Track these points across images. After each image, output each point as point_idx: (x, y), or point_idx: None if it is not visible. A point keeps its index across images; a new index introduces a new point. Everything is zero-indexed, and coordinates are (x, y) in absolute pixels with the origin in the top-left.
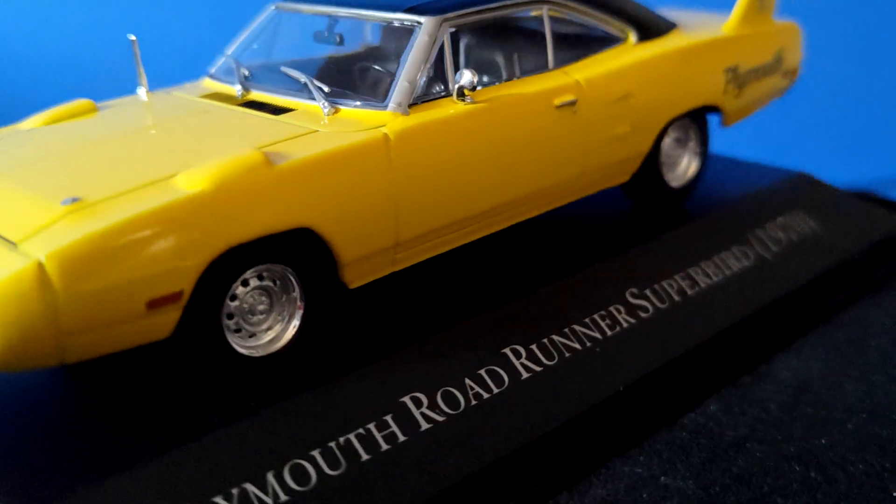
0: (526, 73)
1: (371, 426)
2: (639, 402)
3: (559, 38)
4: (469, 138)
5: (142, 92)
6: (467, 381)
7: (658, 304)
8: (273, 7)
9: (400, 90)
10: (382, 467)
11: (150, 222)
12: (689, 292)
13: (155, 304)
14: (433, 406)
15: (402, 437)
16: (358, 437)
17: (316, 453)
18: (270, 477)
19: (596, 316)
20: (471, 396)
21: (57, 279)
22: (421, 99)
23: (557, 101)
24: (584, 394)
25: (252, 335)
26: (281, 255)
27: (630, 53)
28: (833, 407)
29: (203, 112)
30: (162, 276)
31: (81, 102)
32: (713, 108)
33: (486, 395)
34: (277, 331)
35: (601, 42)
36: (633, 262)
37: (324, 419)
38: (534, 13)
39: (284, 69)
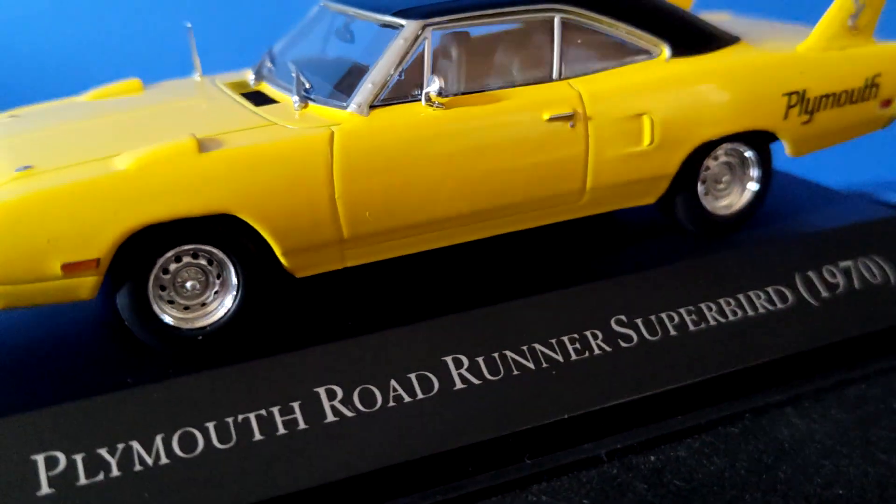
0: (522, 82)
1: (275, 409)
2: (582, 433)
3: (573, 49)
4: (432, 144)
5: (196, 76)
6: (393, 381)
7: (647, 336)
8: (319, 4)
9: (363, 91)
10: (269, 450)
11: (67, 194)
12: (692, 328)
13: (70, 269)
14: (346, 401)
15: (301, 425)
16: (258, 417)
17: (210, 425)
18: (158, 439)
19: (565, 338)
20: (390, 398)
21: None
22: (388, 101)
23: (548, 114)
24: (510, 416)
25: (186, 308)
26: (212, 237)
27: (655, 69)
28: (805, 483)
29: (205, 99)
30: (76, 244)
31: (131, 82)
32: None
33: (406, 399)
34: (212, 308)
35: (626, 55)
36: (634, 287)
37: (231, 395)
38: (543, 20)
39: (289, 63)
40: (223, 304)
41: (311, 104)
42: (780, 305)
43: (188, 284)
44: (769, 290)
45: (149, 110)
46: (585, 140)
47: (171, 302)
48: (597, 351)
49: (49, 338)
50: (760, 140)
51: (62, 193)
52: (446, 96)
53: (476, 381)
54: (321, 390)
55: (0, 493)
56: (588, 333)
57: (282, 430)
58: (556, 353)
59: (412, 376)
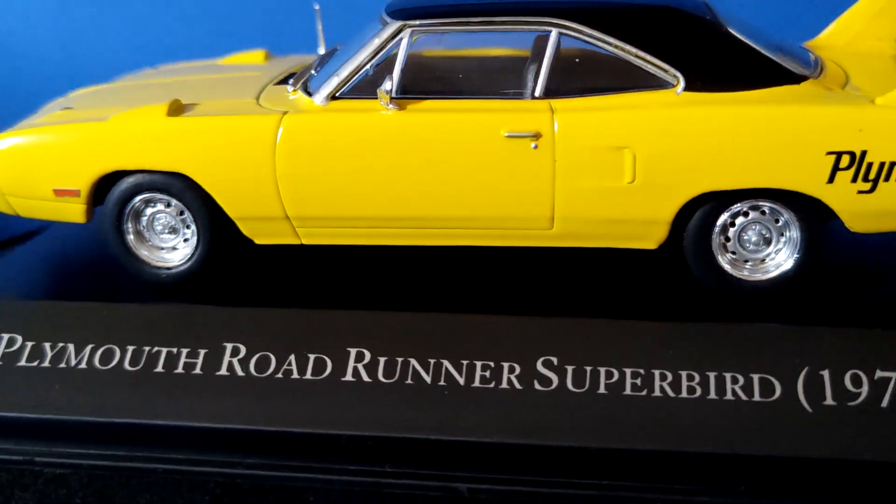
0: (496, 94)
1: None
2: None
3: (567, 67)
4: (376, 142)
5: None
6: (292, 356)
7: (569, 385)
8: None
9: (328, 83)
10: None
11: (63, 132)
12: (626, 392)
13: (60, 193)
14: (244, 361)
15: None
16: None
17: None
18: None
19: (479, 363)
20: (282, 371)
21: None
22: (356, 96)
23: (507, 131)
24: (366, 419)
25: (160, 248)
26: (174, 191)
27: (656, 100)
28: None
29: (258, 74)
30: (62, 175)
31: (256, 53)
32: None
33: (293, 376)
34: (179, 253)
35: (633, 82)
36: (590, 332)
37: None
38: (538, 34)
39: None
40: (183, 251)
41: (298, 91)
42: (756, 397)
43: (157, 227)
44: (754, 376)
45: (213, 78)
46: (552, 164)
47: (148, 241)
48: (503, 384)
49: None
50: (804, 203)
51: (60, 131)
52: (403, 98)
53: (366, 379)
54: (228, 345)
55: None
56: (506, 365)
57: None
58: (461, 374)
59: (311, 356)
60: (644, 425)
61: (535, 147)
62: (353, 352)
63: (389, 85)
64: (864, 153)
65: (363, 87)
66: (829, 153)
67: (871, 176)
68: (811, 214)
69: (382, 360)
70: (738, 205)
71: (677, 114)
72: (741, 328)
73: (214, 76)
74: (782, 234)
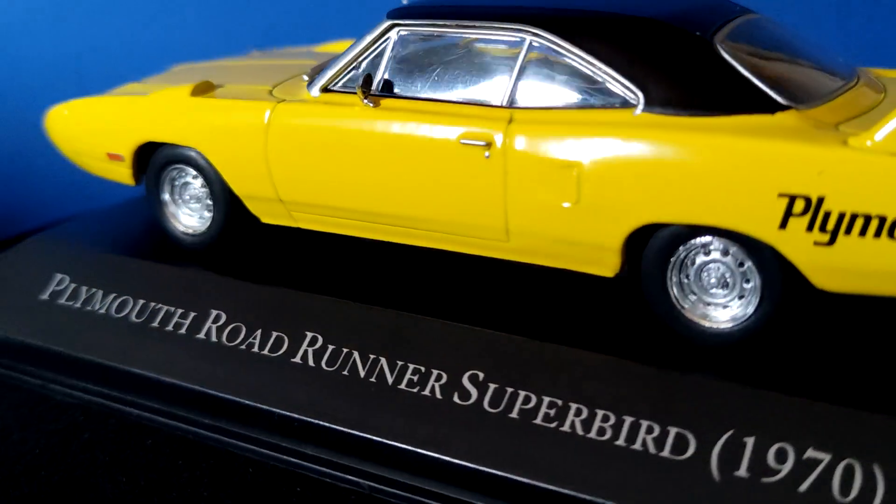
0: (466, 99)
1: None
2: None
3: (536, 78)
4: (347, 136)
5: None
6: (259, 331)
7: (485, 405)
8: None
9: (323, 75)
10: None
11: (116, 104)
12: (536, 420)
13: (111, 157)
14: (221, 329)
15: None
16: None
17: None
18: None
19: (412, 365)
20: (246, 343)
21: (50, 124)
22: (342, 89)
23: (462, 137)
24: (308, 404)
25: (187, 215)
26: (194, 164)
27: (610, 119)
28: None
29: (305, 63)
30: (112, 141)
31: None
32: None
33: (254, 350)
34: (200, 221)
35: (596, 97)
36: (524, 353)
37: None
38: (513, 41)
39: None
40: (208, 217)
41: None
42: (665, 452)
43: (186, 196)
44: (672, 429)
45: (274, 64)
46: (503, 176)
47: (178, 207)
48: (426, 391)
49: None
50: (765, 248)
51: (114, 102)
52: (382, 95)
53: (311, 363)
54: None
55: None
56: (435, 372)
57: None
58: (391, 374)
59: (273, 333)
60: (535, 458)
61: (488, 157)
62: (309, 336)
63: (368, 81)
64: (821, 199)
65: (354, 82)
66: (782, 195)
67: (829, 226)
68: (773, 262)
69: (331, 347)
70: (697, 240)
71: (624, 136)
72: (679, 376)
73: (279, 62)
74: (748, 281)
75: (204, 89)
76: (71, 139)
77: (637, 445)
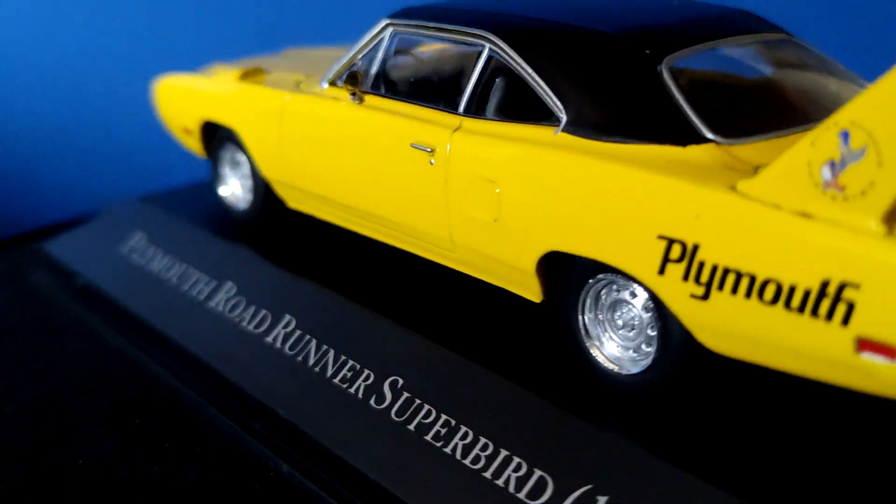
0: (432, 103)
1: None
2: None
3: (491, 88)
4: (329, 129)
5: None
6: (253, 308)
7: (392, 414)
8: None
9: (331, 69)
10: None
11: (187, 83)
12: (426, 436)
13: (185, 131)
14: (228, 301)
15: None
16: None
17: None
18: None
19: (351, 361)
20: (238, 316)
21: (154, 95)
22: (341, 83)
23: (412, 141)
24: (257, 381)
25: (236, 190)
26: (237, 142)
27: (531, 136)
28: None
29: None
30: (185, 116)
31: None
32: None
33: (243, 323)
34: (243, 198)
35: (532, 111)
36: (449, 369)
37: None
38: (476, 48)
39: None
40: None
41: None
42: (522, 493)
43: (238, 174)
44: (536, 471)
45: (331, 54)
46: (445, 183)
47: (228, 182)
48: (352, 389)
49: None
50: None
51: (192, 81)
52: (370, 92)
53: (277, 345)
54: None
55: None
56: (367, 372)
57: None
58: (332, 366)
59: (262, 312)
60: (411, 474)
61: (433, 163)
62: (285, 318)
63: (353, 77)
64: (696, 247)
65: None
66: (661, 237)
67: (704, 278)
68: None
69: (297, 332)
70: (603, 276)
71: (536, 156)
72: (569, 418)
73: (337, 53)
74: (652, 328)
75: (251, 75)
76: (162, 111)
77: (500, 481)
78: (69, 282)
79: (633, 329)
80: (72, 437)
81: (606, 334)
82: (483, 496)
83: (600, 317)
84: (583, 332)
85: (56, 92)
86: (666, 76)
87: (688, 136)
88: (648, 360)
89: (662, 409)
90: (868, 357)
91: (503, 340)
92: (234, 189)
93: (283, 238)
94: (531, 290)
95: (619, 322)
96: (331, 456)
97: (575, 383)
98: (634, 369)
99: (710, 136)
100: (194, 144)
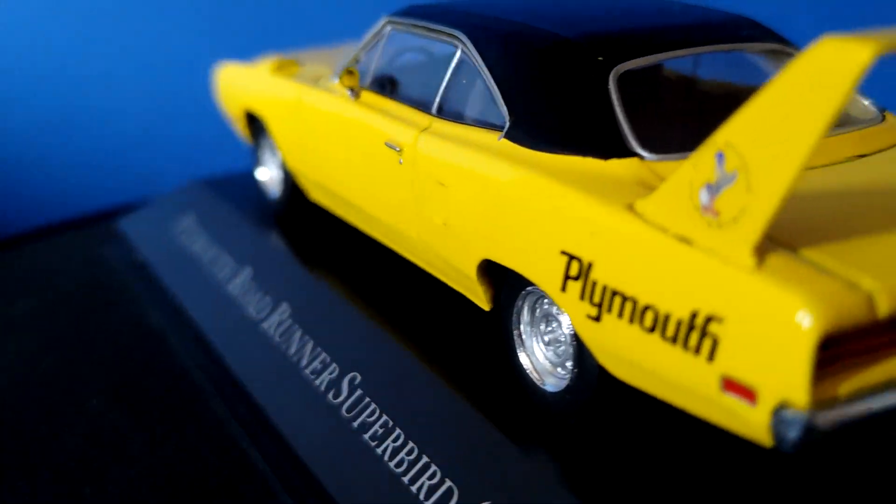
0: (413, 102)
1: None
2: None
3: (460, 89)
4: (331, 124)
5: None
6: (251, 294)
7: (344, 410)
8: None
9: (340, 65)
10: None
11: (235, 73)
12: (372, 443)
13: (234, 119)
14: (234, 276)
15: None
16: None
17: None
18: None
19: (325, 353)
20: (235, 285)
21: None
22: (337, 78)
23: (385, 139)
24: (238, 352)
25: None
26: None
27: (478, 142)
28: None
29: None
30: (231, 106)
31: None
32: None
33: (240, 307)
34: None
35: (484, 115)
36: (414, 375)
37: None
38: (451, 50)
39: None
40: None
41: None
42: (429, 501)
43: (268, 161)
44: (448, 481)
45: None
46: (411, 183)
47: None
48: (318, 381)
49: None
50: None
51: (240, 70)
52: (367, 89)
53: (264, 324)
54: None
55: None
56: (334, 365)
57: None
58: (306, 357)
59: (258, 295)
60: (343, 471)
61: (402, 162)
62: (282, 306)
63: (349, 73)
64: (590, 265)
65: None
66: (563, 252)
67: (596, 299)
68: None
69: (288, 322)
70: (532, 287)
71: (476, 162)
72: (493, 433)
73: None
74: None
75: (284, 68)
76: (219, 98)
77: (414, 487)
78: (129, 257)
79: (559, 345)
80: (75, 401)
81: (538, 348)
82: (395, 499)
83: (533, 329)
84: (517, 344)
85: (55, 91)
86: (611, 85)
87: (616, 149)
88: (568, 380)
89: (581, 435)
90: (731, 397)
91: (463, 348)
92: (270, 176)
93: (306, 228)
94: (480, 297)
95: (547, 338)
96: (287, 447)
97: (514, 399)
98: (558, 387)
99: (637, 150)
100: (244, 132)
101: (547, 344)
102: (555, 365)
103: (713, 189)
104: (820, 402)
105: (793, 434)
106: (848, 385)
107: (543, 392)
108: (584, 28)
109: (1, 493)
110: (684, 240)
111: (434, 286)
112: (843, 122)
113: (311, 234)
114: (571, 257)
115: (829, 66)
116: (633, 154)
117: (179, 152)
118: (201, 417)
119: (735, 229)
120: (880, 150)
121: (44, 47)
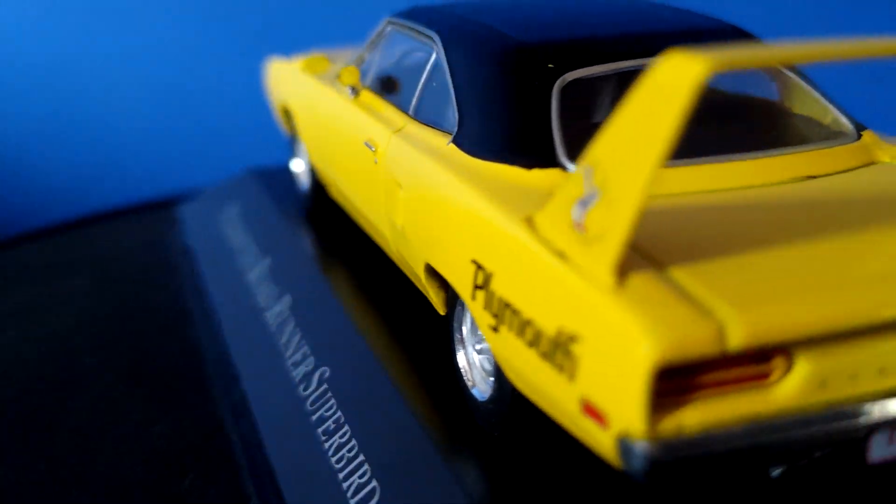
0: (397, 103)
1: None
2: None
3: (432, 92)
4: (333, 122)
5: None
6: (266, 283)
7: (308, 404)
8: None
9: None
10: None
11: (278, 68)
12: (319, 429)
13: (279, 112)
14: (254, 264)
15: None
16: None
17: None
18: None
19: (306, 345)
20: (254, 274)
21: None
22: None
23: (364, 138)
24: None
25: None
26: None
27: (429, 145)
28: None
29: None
30: (275, 98)
31: None
32: None
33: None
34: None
35: (441, 118)
36: (371, 371)
37: None
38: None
39: None
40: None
41: None
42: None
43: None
44: (374, 482)
45: None
46: (382, 184)
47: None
48: (294, 372)
49: None
50: None
51: (278, 68)
52: (367, 87)
53: (267, 313)
54: None
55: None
56: (311, 357)
57: None
58: (292, 348)
59: (268, 287)
60: (295, 463)
61: (376, 162)
62: (285, 298)
63: (350, 71)
64: (490, 275)
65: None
66: (472, 261)
67: (494, 310)
68: None
69: (287, 313)
70: None
71: (422, 166)
72: (427, 446)
73: None
74: None
75: (313, 64)
76: (267, 92)
77: (345, 484)
78: (182, 242)
79: (490, 354)
80: (88, 375)
81: (475, 356)
82: (328, 494)
83: (473, 337)
84: (458, 349)
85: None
86: (555, 92)
87: (542, 160)
88: (491, 390)
89: (503, 450)
90: (588, 419)
91: (425, 353)
92: (302, 169)
93: (328, 224)
94: (435, 300)
95: (479, 346)
96: (257, 434)
97: (458, 409)
98: (483, 397)
99: (563, 161)
100: (287, 126)
101: (479, 352)
102: (487, 374)
103: (583, 205)
104: (663, 434)
105: (636, 464)
106: (697, 418)
107: (476, 401)
108: (545, 34)
109: None
110: (561, 255)
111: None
112: (801, 140)
113: (331, 230)
114: (479, 266)
115: (669, 82)
116: (558, 165)
117: (253, 141)
118: (197, 400)
119: (599, 246)
120: (838, 172)
121: (131, 34)
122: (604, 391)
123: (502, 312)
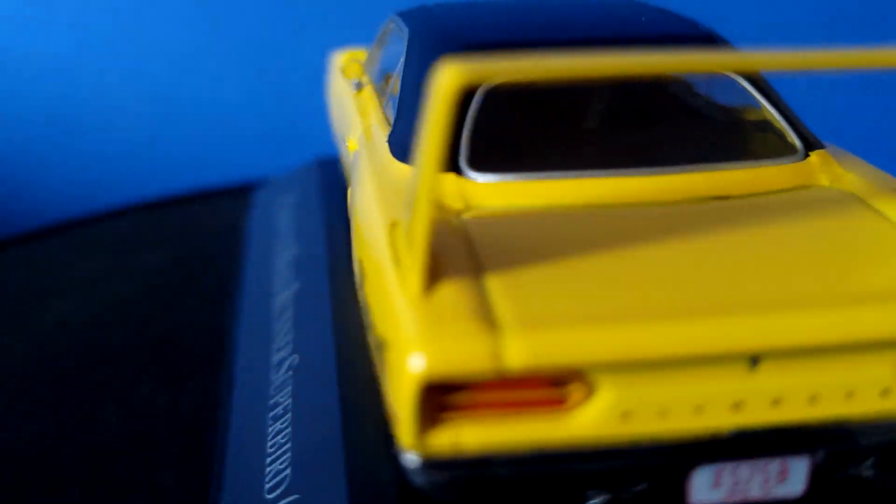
0: (381, 99)
1: None
2: None
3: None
4: (342, 115)
5: None
6: (278, 264)
7: (271, 388)
8: None
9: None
10: None
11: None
12: (270, 427)
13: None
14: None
15: None
16: None
17: None
18: None
19: (293, 328)
20: (283, 263)
21: None
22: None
23: (354, 140)
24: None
25: None
26: None
27: (376, 145)
28: None
29: None
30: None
31: None
32: None
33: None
34: None
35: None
36: None
37: None
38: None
39: None
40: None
41: None
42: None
43: None
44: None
45: None
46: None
47: None
48: (280, 371)
49: None
50: None
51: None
52: (369, 83)
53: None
54: None
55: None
56: (296, 355)
57: None
58: (279, 335)
59: (285, 275)
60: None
61: (352, 159)
62: (294, 285)
63: (353, 68)
64: (364, 275)
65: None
66: (358, 258)
67: (366, 307)
68: None
69: (287, 295)
70: None
71: (360, 168)
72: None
73: None
74: None
75: (354, 59)
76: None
77: (266, 469)
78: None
79: None
80: (111, 349)
81: None
82: (250, 479)
83: None
84: None
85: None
86: (477, 96)
87: (449, 165)
88: None
89: None
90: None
91: None
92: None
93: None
94: None
95: None
96: (227, 418)
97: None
98: None
99: (462, 166)
100: None
101: None
102: None
103: (409, 210)
104: (435, 449)
105: (413, 477)
106: (477, 437)
107: None
108: (489, 36)
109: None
110: (397, 261)
111: None
112: (731, 156)
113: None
114: (360, 263)
115: (437, 91)
116: (457, 171)
117: None
118: (200, 382)
119: (413, 253)
120: (757, 194)
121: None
122: (393, 400)
123: (367, 311)
